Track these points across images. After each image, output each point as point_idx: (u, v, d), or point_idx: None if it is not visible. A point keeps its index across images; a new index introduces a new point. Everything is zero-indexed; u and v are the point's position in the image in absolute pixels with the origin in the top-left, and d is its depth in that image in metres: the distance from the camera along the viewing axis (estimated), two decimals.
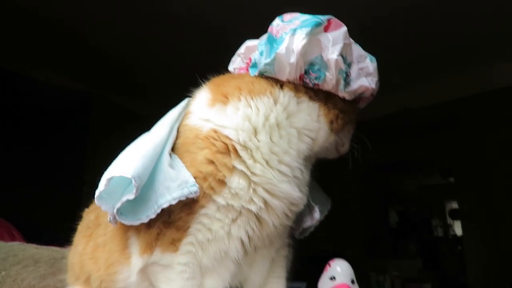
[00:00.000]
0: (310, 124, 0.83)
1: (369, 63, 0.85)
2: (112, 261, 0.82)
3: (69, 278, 0.98)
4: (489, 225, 5.02)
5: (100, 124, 4.63)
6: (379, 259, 6.06)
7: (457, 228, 7.18)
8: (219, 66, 0.97)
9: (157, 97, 4.60)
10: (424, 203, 7.89)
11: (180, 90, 0.95)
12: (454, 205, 6.77)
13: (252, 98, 0.82)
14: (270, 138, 0.80)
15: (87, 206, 1.04)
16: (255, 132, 0.80)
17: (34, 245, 1.43)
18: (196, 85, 0.91)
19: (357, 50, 0.84)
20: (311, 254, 1.97)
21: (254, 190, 0.78)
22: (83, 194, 4.74)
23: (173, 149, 0.81)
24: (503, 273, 4.72)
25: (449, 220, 7.69)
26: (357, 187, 5.77)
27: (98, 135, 4.57)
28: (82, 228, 0.99)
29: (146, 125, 0.88)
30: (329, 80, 0.80)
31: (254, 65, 0.87)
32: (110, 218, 0.76)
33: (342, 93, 0.82)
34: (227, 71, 0.97)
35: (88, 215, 1.00)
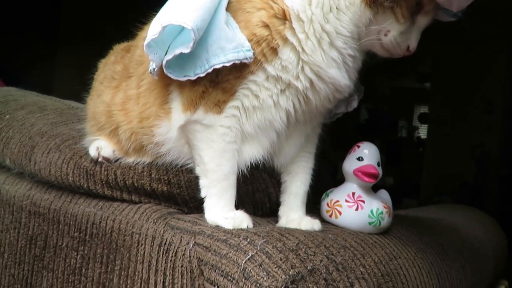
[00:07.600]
0: None
1: None
2: (148, 114, 0.80)
3: (89, 128, 0.96)
4: (452, 133, 5.27)
5: None
6: (344, 151, 6.32)
7: (422, 132, 7.50)
8: None
9: None
10: (394, 104, 8.07)
11: None
12: (424, 109, 6.97)
13: None
14: (322, 9, 0.75)
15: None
16: (310, 2, 0.75)
17: (34, 92, 1.36)
18: None
19: None
20: None
21: (302, 68, 0.76)
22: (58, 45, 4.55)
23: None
24: (453, 178, 5.12)
25: (416, 123, 7.98)
26: None
27: None
28: (105, 78, 0.94)
29: None
30: None
31: None
32: (152, 69, 0.73)
33: None
34: None
35: (112, 66, 0.94)
